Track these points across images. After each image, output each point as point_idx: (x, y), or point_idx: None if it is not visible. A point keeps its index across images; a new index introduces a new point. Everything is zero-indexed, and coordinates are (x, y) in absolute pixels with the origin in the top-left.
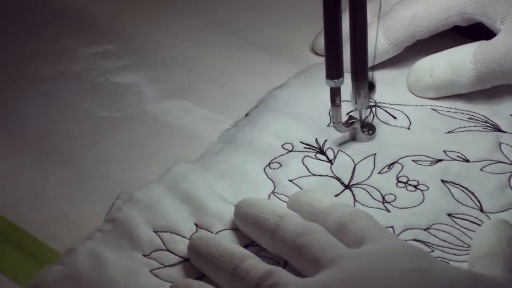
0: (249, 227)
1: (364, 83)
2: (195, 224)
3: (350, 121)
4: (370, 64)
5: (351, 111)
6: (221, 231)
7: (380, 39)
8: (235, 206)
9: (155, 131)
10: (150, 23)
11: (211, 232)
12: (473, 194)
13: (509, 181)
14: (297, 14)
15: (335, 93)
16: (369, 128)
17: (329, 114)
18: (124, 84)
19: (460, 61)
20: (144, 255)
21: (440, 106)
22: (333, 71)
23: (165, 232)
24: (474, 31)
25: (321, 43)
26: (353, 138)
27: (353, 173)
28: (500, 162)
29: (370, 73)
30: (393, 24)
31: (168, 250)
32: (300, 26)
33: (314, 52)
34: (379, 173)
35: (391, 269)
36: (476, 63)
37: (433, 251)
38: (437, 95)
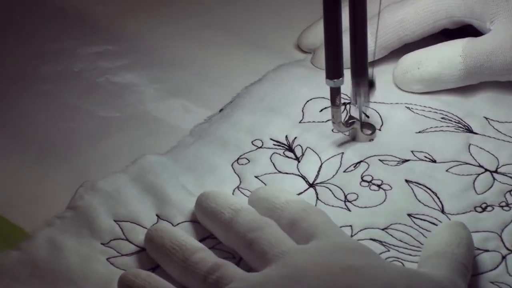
0: (206, 220)
1: (364, 81)
2: (156, 215)
3: (350, 121)
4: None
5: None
6: (181, 222)
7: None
8: None
9: (155, 131)
10: (150, 23)
11: (172, 224)
12: (435, 194)
13: (473, 183)
14: (298, 14)
15: (335, 93)
16: (369, 128)
17: (302, 111)
18: (124, 84)
19: (449, 54)
20: (102, 243)
21: (414, 105)
22: (333, 71)
23: (125, 222)
24: (462, 34)
25: (306, 40)
26: (353, 138)
27: (319, 171)
28: (467, 163)
29: (369, 71)
30: (381, 27)
31: (126, 240)
32: (301, 27)
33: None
34: (344, 171)
35: (332, 266)
36: (464, 56)
37: (388, 250)
38: (424, 89)
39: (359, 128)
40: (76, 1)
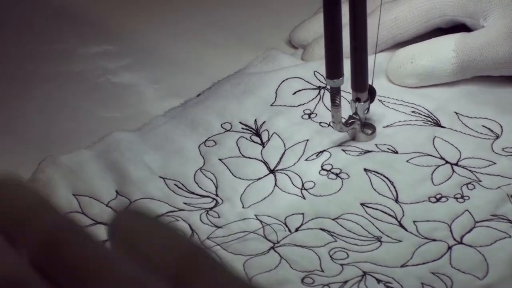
0: None
1: (364, 92)
2: (116, 191)
3: (350, 121)
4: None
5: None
6: (139, 199)
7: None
8: (159, 177)
9: None
10: (150, 23)
11: (130, 200)
12: (392, 183)
13: (432, 174)
14: (298, 15)
15: (335, 93)
16: (369, 128)
17: (275, 92)
18: (124, 84)
19: (441, 48)
20: None
21: (387, 98)
22: (333, 71)
23: (84, 196)
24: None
25: (298, 36)
26: (353, 138)
27: (281, 158)
28: (428, 155)
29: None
30: (374, 25)
31: (83, 213)
32: None
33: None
34: (306, 160)
35: None
36: (457, 51)
37: (335, 241)
38: (417, 84)
39: (359, 128)
40: (76, 1)
